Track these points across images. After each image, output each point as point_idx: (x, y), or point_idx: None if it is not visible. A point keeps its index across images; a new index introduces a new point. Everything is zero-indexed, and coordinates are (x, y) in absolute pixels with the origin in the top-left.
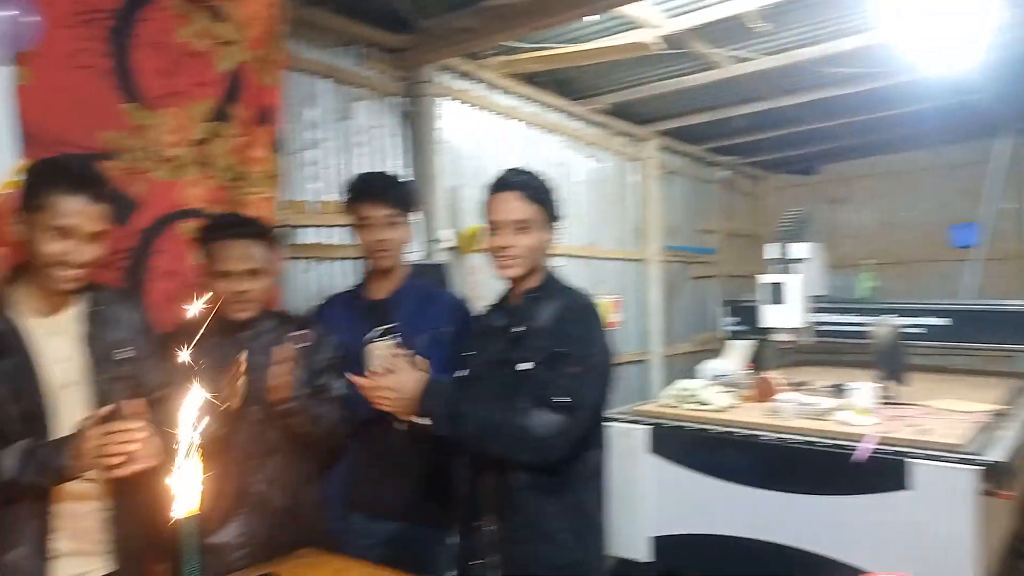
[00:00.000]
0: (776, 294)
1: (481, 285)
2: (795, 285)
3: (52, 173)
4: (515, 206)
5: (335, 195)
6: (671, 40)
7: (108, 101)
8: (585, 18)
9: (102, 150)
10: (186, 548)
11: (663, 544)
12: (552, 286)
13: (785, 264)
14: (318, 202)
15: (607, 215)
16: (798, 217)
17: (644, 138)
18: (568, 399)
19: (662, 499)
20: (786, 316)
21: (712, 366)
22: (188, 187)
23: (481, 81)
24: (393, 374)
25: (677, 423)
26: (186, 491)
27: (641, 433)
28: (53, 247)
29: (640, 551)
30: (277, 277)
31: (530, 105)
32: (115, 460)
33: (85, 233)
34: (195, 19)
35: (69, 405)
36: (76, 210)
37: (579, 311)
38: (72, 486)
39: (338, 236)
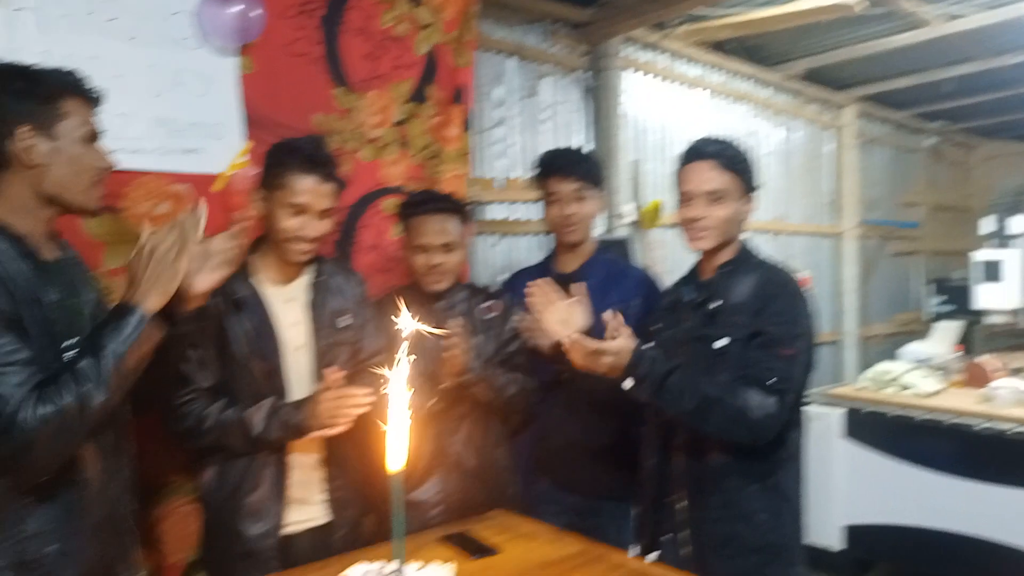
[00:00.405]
0: (991, 272)
1: (662, 260)
2: (1014, 262)
3: (290, 154)
4: (709, 176)
5: (520, 172)
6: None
7: (319, 86)
8: None
9: (315, 132)
10: (395, 502)
11: (857, 533)
12: (748, 259)
13: (1003, 239)
14: (504, 179)
15: (798, 187)
16: (1018, 188)
17: (841, 104)
18: (779, 380)
19: (856, 486)
20: (1002, 296)
21: (915, 348)
22: (389, 166)
23: (666, 51)
24: (614, 341)
25: (876, 407)
26: (396, 450)
27: (836, 417)
28: (290, 223)
29: (833, 539)
30: (468, 251)
31: (717, 74)
32: (343, 421)
33: (317, 210)
34: (396, 4)
35: (299, 365)
36: (310, 189)
37: (781, 286)
38: (301, 441)
39: (523, 212)
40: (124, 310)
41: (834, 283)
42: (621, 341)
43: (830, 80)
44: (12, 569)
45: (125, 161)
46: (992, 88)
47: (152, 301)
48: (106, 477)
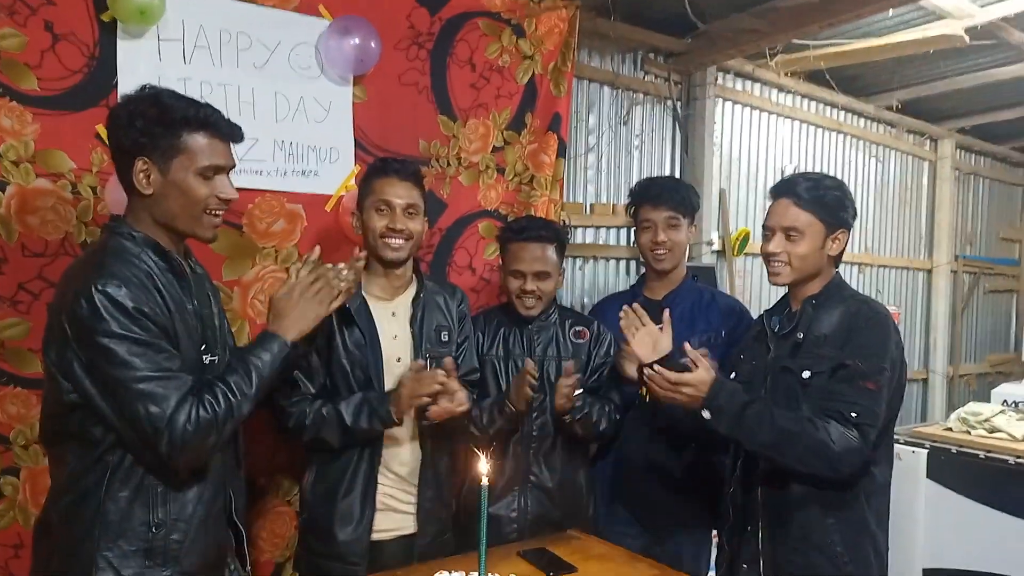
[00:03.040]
0: None
1: (747, 289)
2: None
3: (377, 165)
4: (788, 213)
5: (608, 197)
6: (980, 31)
7: (426, 113)
8: (891, 11)
9: (419, 157)
10: (480, 514)
11: None
12: (837, 292)
13: None
14: (593, 204)
15: (890, 220)
16: None
17: (938, 136)
18: (862, 414)
19: (937, 529)
20: None
21: (1009, 390)
22: (486, 190)
23: (759, 81)
24: (694, 372)
25: (963, 449)
26: (481, 464)
27: (919, 456)
28: (378, 221)
29: None
30: (562, 276)
31: (811, 104)
32: (425, 402)
33: (401, 206)
34: (501, 37)
35: (397, 377)
36: (390, 186)
37: (868, 319)
38: (391, 456)
39: (610, 237)
40: (271, 339)
41: (924, 319)
42: (700, 373)
43: (927, 111)
44: (141, 554)
45: (249, 181)
46: None
47: (294, 334)
48: (224, 475)
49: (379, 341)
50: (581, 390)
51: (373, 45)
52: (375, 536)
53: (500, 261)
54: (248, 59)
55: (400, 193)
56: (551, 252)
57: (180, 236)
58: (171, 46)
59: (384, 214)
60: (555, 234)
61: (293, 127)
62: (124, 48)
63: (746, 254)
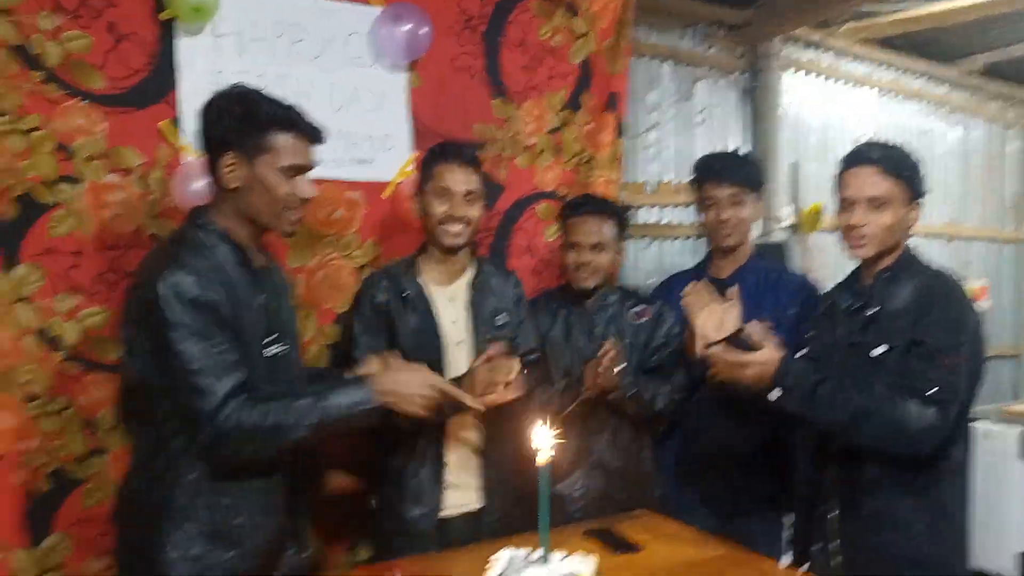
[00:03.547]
0: None
1: (822, 265)
2: None
3: (436, 150)
4: (871, 181)
5: (672, 176)
6: None
7: (480, 97)
8: None
9: (476, 141)
10: (542, 492)
11: None
12: (910, 265)
13: None
14: (656, 183)
15: (975, 189)
16: None
17: None
18: (940, 391)
19: None
20: None
21: None
22: (543, 172)
23: (829, 49)
24: (759, 352)
25: None
26: (545, 443)
27: (1012, 436)
28: (438, 208)
29: (1004, 565)
30: (621, 254)
31: (886, 71)
32: (496, 392)
33: (460, 191)
34: (554, 17)
35: (457, 360)
36: (451, 174)
37: (943, 293)
38: (457, 434)
39: (674, 216)
40: (360, 388)
41: (1016, 292)
42: (767, 352)
43: (1014, 75)
44: (205, 536)
45: None
46: None
47: (383, 401)
48: (290, 460)
49: (438, 325)
50: (622, 366)
51: (424, 31)
52: (443, 513)
53: (560, 241)
54: (302, 51)
55: (460, 179)
56: (608, 226)
57: (260, 230)
58: (227, 41)
59: (444, 200)
60: (613, 210)
61: (349, 116)
62: (182, 45)
63: (820, 229)
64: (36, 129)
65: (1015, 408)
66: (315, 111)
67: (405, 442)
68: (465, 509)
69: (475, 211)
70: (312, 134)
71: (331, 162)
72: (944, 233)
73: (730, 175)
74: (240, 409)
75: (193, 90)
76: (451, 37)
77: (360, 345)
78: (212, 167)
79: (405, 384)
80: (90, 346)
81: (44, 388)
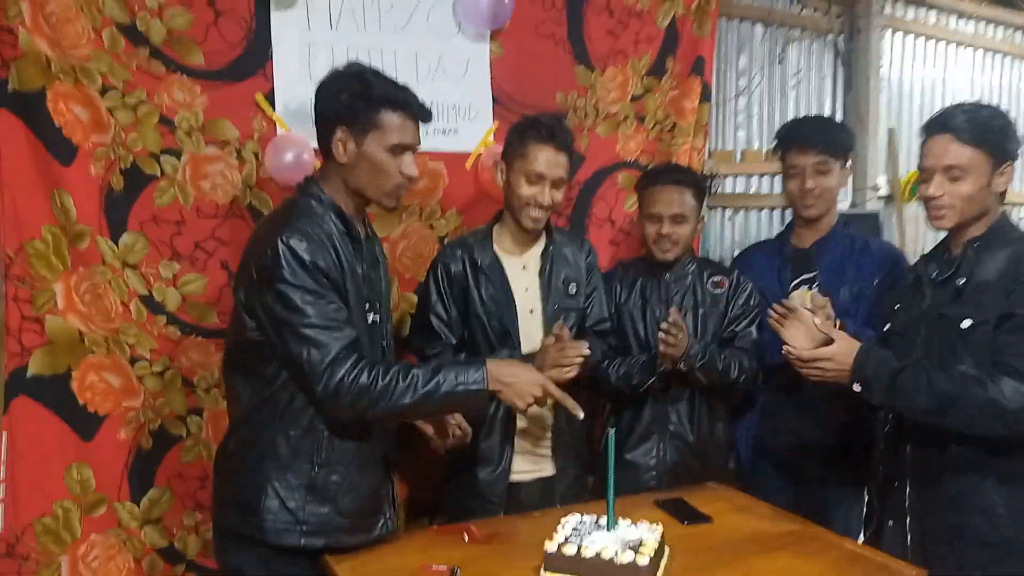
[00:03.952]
0: None
1: (918, 237)
2: None
3: (531, 127)
4: (947, 150)
5: (760, 143)
6: None
7: (563, 65)
8: None
9: (558, 110)
10: (609, 459)
11: None
12: (1003, 234)
13: None
14: (744, 151)
15: None
16: None
17: None
18: None
19: None
20: None
21: None
22: (625, 140)
23: (933, 8)
24: (829, 346)
25: None
26: (612, 412)
27: None
28: (527, 190)
29: None
30: (701, 224)
31: (995, 29)
32: (567, 372)
33: (552, 178)
34: None
35: (530, 328)
36: (547, 159)
37: None
38: None
39: (763, 185)
40: (479, 371)
41: None
42: (839, 345)
43: None
44: (304, 489)
45: None
46: None
47: (496, 388)
48: (389, 426)
49: (512, 294)
50: (681, 333)
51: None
52: (514, 477)
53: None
54: (390, 22)
55: (554, 164)
56: (688, 196)
57: (365, 202)
58: (319, 14)
59: (534, 184)
60: (693, 179)
61: (434, 86)
62: (277, 19)
63: (918, 199)
64: (142, 103)
65: None
66: (401, 81)
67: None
68: (537, 475)
69: (560, 194)
70: (421, 114)
71: None
72: None
73: (815, 142)
74: (355, 366)
75: (287, 63)
76: (535, 3)
77: (436, 314)
78: (324, 140)
79: (519, 378)
80: (189, 310)
81: (147, 350)
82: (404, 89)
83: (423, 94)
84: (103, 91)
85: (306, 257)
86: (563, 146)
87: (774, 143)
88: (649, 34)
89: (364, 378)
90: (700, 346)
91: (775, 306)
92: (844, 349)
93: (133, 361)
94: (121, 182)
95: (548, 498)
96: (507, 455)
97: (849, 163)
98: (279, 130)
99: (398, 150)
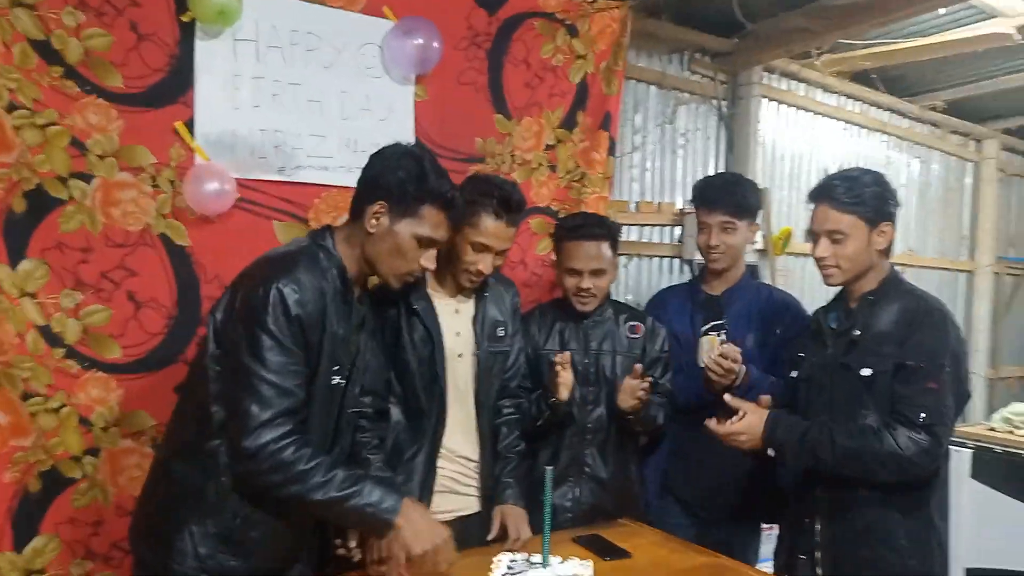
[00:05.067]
0: None
1: (789, 287)
2: None
3: (485, 195)
4: (827, 216)
5: (653, 196)
6: None
7: (483, 112)
8: (941, 9)
9: (476, 155)
10: (547, 500)
11: None
12: (894, 288)
13: None
14: (638, 202)
15: (931, 221)
16: None
17: (982, 137)
18: (929, 415)
19: (979, 529)
20: None
21: None
22: (538, 187)
23: (804, 81)
24: (742, 418)
25: (1008, 449)
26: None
27: (963, 456)
28: (471, 257)
29: None
30: (616, 271)
31: (855, 104)
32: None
33: (497, 251)
34: (556, 36)
35: (456, 373)
36: (497, 232)
37: (924, 315)
38: (453, 438)
39: (655, 235)
40: (393, 504)
41: (966, 321)
42: (749, 418)
43: (972, 112)
44: (219, 539)
45: (315, 176)
46: None
47: (397, 526)
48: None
49: (443, 338)
50: (648, 383)
51: (436, 45)
52: (437, 518)
53: (554, 257)
54: (317, 59)
55: (503, 238)
56: (606, 248)
57: (372, 272)
58: (245, 46)
59: (479, 252)
60: (609, 231)
61: (358, 125)
62: (201, 48)
63: (788, 253)
64: (52, 124)
65: (965, 430)
66: (325, 118)
67: (396, 449)
68: (461, 513)
69: (501, 261)
70: (458, 215)
71: (339, 169)
72: (903, 262)
73: (722, 203)
74: (285, 437)
75: (209, 92)
76: (459, 52)
77: (368, 369)
78: (360, 204)
79: (422, 526)
80: (90, 343)
81: (43, 385)
82: (455, 188)
83: (347, 132)
84: (9, 108)
85: (293, 310)
86: (516, 221)
87: (690, 199)
88: (562, 88)
89: (287, 454)
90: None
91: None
92: (754, 420)
93: (26, 396)
94: (23, 204)
95: (471, 538)
96: (426, 497)
97: (758, 220)
98: (198, 159)
99: (426, 243)
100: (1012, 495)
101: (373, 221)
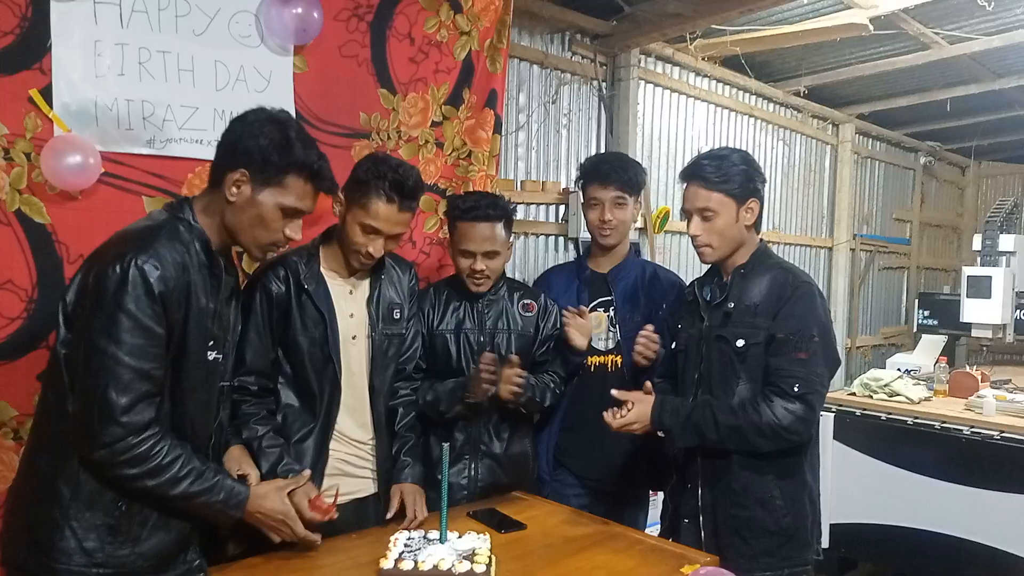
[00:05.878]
0: (980, 288)
1: (668, 265)
2: (1002, 279)
3: (379, 177)
4: (697, 194)
5: (538, 175)
6: (883, 21)
7: (367, 86)
8: None
9: (360, 130)
10: (444, 476)
11: (839, 532)
12: (763, 261)
13: (992, 257)
14: (523, 181)
15: (795, 200)
16: (1009, 207)
17: (840, 121)
18: (802, 385)
19: (841, 486)
20: (989, 312)
21: (902, 359)
22: (425, 164)
23: (678, 65)
24: (632, 409)
25: (865, 412)
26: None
27: (826, 419)
28: (359, 239)
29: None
30: (510, 251)
31: (725, 88)
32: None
33: (389, 235)
34: (439, 12)
35: (349, 355)
36: (388, 216)
37: (792, 288)
38: (347, 421)
39: (539, 213)
40: (236, 500)
41: (826, 294)
42: (637, 408)
43: (831, 98)
44: (105, 529)
45: (189, 150)
46: (988, 110)
47: (243, 519)
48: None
49: (336, 320)
50: (525, 378)
51: (315, 15)
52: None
53: (444, 236)
54: (187, 25)
55: (396, 222)
56: (500, 230)
57: (234, 242)
58: (108, 9)
59: (369, 235)
60: (503, 211)
61: (234, 96)
62: (58, 10)
63: (666, 231)
64: None
65: (828, 395)
66: (198, 89)
67: (287, 432)
68: (356, 496)
69: (393, 245)
70: (327, 187)
71: (213, 142)
72: (769, 240)
73: (614, 179)
74: (145, 428)
75: (68, 59)
76: (339, 23)
77: (251, 347)
78: (219, 171)
79: (270, 510)
80: None
81: None
82: (322, 158)
83: (222, 104)
84: None
85: (156, 287)
86: (410, 207)
87: (579, 176)
88: (448, 65)
89: (145, 448)
90: (531, 390)
91: (569, 308)
92: (643, 409)
93: None
94: None
95: (367, 519)
96: (317, 480)
97: (641, 197)
98: (57, 130)
99: (290, 212)
100: (869, 454)
101: (234, 189)
